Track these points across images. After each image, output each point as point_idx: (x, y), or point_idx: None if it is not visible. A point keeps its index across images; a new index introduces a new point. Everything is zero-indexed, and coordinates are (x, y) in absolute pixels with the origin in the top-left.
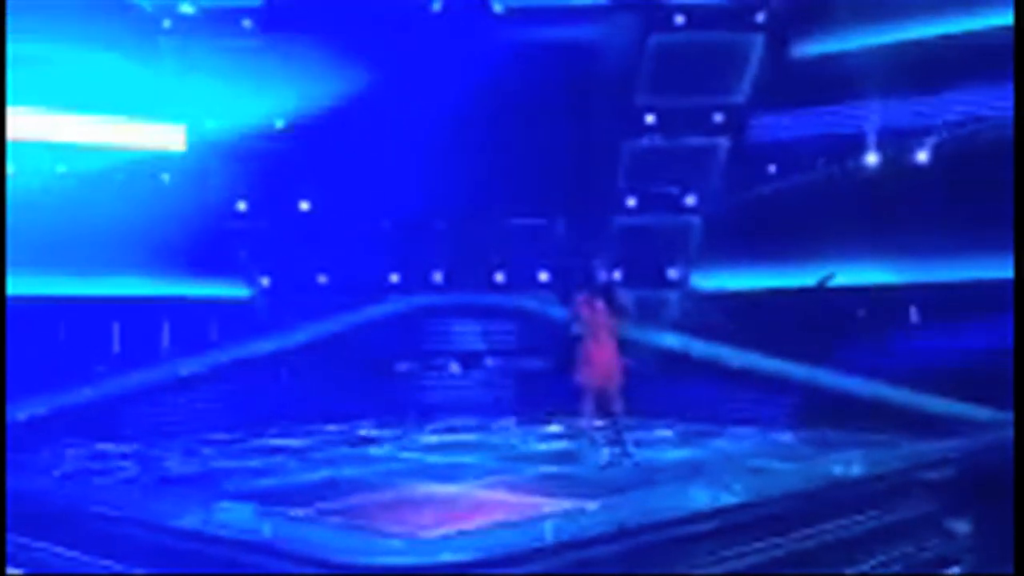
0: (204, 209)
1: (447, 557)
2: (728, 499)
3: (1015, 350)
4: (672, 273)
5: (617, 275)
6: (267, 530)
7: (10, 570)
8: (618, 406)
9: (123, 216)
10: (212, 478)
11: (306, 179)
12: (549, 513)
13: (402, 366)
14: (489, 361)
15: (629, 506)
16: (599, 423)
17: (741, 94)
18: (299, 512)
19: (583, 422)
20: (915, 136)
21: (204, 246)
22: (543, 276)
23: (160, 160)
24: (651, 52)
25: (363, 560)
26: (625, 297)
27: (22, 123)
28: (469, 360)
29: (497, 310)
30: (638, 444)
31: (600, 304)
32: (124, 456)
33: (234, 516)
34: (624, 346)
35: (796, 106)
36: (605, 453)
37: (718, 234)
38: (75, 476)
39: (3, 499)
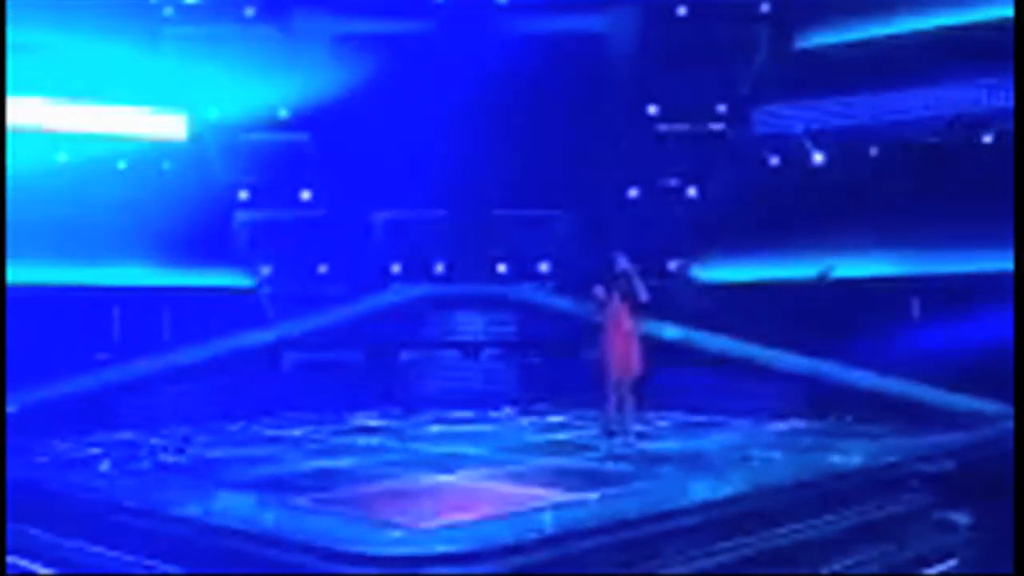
0: (206, 198)
1: (445, 547)
2: (726, 491)
3: (1015, 345)
4: (673, 264)
5: (635, 267)
6: (266, 519)
7: (9, 558)
8: (631, 397)
9: (124, 205)
10: (211, 467)
11: (308, 168)
12: (548, 504)
13: (403, 356)
14: (491, 352)
15: (628, 497)
16: (616, 413)
17: (744, 85)
18: (298, 501)
19: (604, 413)
20: (919, 127)
21: (205, 235)
22: (544, 267)
23: (162, 149)
24: (654, 43)
25: (362, 549)
26: (643, 289)
27: (23, 111)
28: (470, 350)
29: (499, 301)
30: (637, 435)
31: (619, 295)
32: (123, 445)
33: (233, 505)
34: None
35: (799, 98)
36: (615, 443)
37: (720, 226)
38: (74, 464)
39: (4, 495)
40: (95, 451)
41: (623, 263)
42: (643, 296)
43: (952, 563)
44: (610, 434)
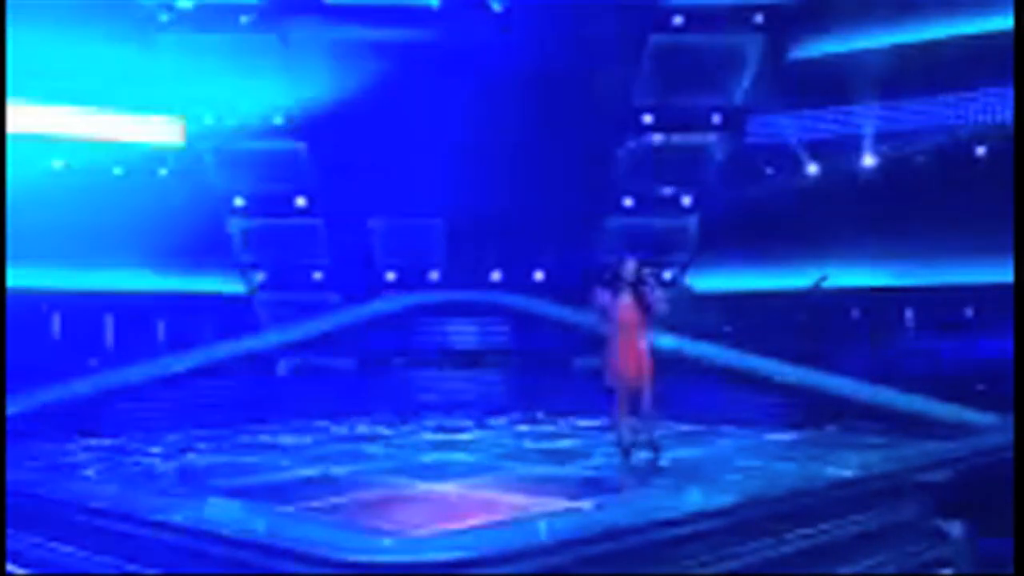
0: (201, 204)
1: (437, 556)
2: (721, 500)
3: (1015, 352)
4: (668, 274)
5: (646, 272)
6: (257, 526)
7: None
8: (647, 406)
9: (120, 210)
10: (204, 474)
11: (303, 175)
12: (541, 513)
13: (397, 363)
14: (485, 359)
15: (622, 506)
16: (630, 423)
17: (739, 95)
18: (290, 508)
19: (619, 423)
20: (912, 138)
21: (200, 241)
22: (539, 275)
23: (158, 155)
24: (650, 52)
25: (353, 558)
26: (655, 294)
27: (19, 116)
28: (464, 358)
29: (493, 309)
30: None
31: (628, 301)
32: (116, 451)
33: (225, 512)
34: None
35: (794, 107)
36: (641, 454)
37: (714, 235)
38: (66, 470)
39: (3, 498)
40: (86, 456)
41: (631, 266)
42: (661, 307)
43: (948, 572)
44: (621, 442)
